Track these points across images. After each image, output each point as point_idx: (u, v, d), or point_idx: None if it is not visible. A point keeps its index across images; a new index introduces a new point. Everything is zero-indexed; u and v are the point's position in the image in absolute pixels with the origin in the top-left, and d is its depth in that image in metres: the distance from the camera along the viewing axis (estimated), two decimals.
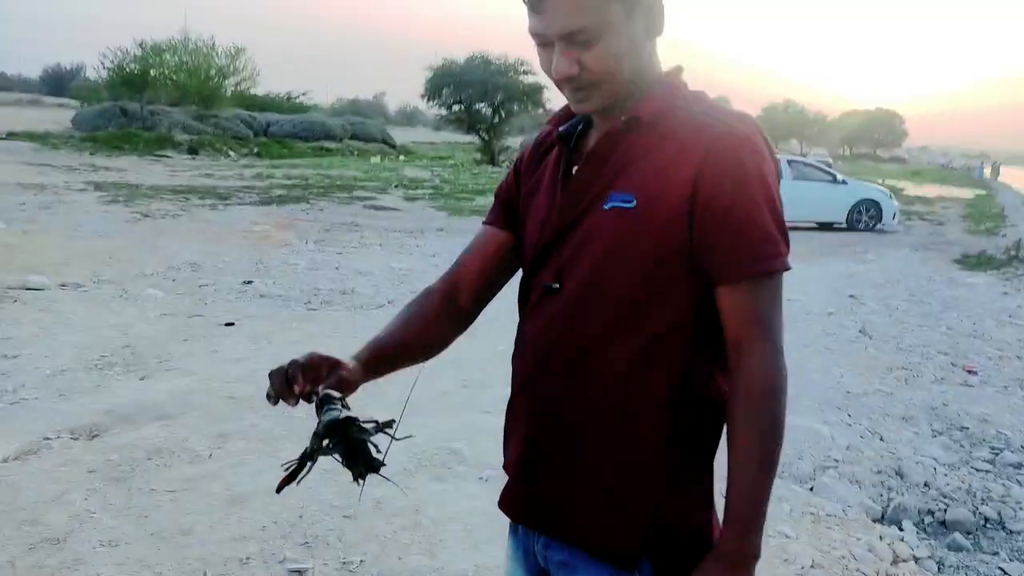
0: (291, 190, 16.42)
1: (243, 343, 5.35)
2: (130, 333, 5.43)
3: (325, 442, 1.07)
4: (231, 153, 25.93)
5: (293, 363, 1.12)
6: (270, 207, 13.52)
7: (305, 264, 8.78)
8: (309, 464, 1.08)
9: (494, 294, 1.34)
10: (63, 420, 3.70)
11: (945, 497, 3.64)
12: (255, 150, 27.48)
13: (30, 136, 24.11)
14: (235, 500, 3.02)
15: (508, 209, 1.31)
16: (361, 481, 1.08)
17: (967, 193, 32.00)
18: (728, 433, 1.10)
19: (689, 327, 1.12)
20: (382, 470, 1.07)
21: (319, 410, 1.09)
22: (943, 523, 3.44)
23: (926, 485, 3.75)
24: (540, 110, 36.92)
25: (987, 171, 52.40)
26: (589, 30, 1.07)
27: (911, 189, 31.33)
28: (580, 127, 1.24)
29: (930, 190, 32.36)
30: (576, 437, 1.16)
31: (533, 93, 33.91)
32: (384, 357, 1.26)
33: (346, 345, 4.86)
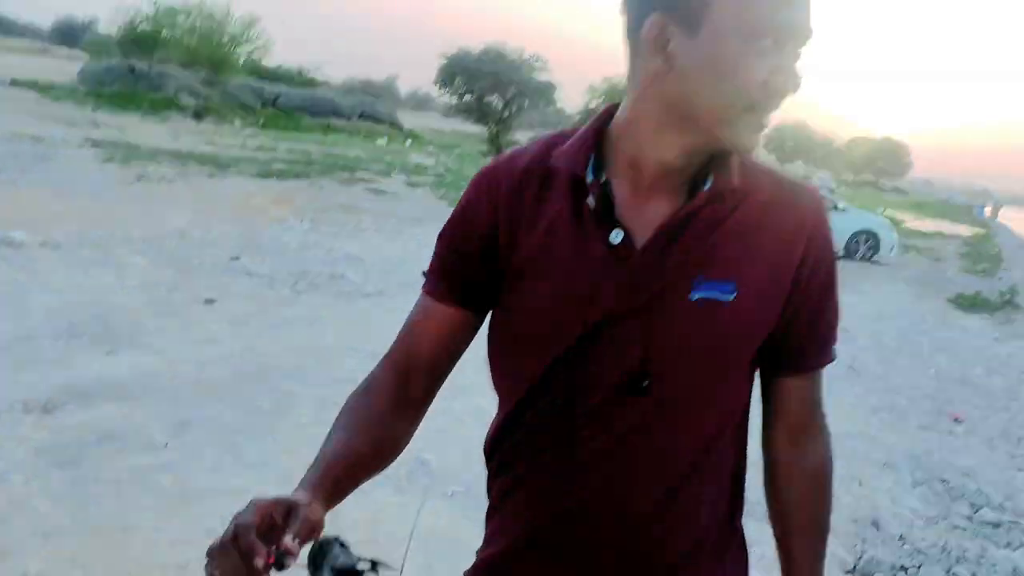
0: (293, 165, 16.23)
1: (220, 323, 5.22)
2: (104, 302, 5.29)
3: None
4: (236, 121, 25.69)
5: (241, 529, 0.76)
6: (269, 180, 13.35)
7: (297, 244, 8.65)
8: None
9: (446, 377, 1.05)
10: (18, 391, 3.57)
11: (920, 553, 3.54)
12: (261, 121, 27.25)
13: (34, 85, 23.85)
14: (185, 497, 2.90)
15: (465, 278, 1.00)
16: None
17: (966, 230, 31.98)
18: (789, 514, 1.08)
19: (743, 419, 1.04)
20: None
21: (319, 560, 0.88)
22: None
23: (901, 538, 3.65)
24: (551, 107, 36.77)
25: (987, 210, 52.49)
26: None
27: (911, 221, 31.28)
28: (603, 177, 0.95)
29: (930, 224, 32.33)
30: (644, 560, 1.00)
31: (546, 91, 33.73)
32: (340, 480, 0.93)
33: (325, 334, 4.71)
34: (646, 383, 0.93)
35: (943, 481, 4.44)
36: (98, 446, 3.20)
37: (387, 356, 1.04)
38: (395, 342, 1.05)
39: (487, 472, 1.09)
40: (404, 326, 1.05)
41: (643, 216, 0.93)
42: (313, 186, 13.74)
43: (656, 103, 0.91)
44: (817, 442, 1.07)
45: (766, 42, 0.85)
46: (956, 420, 5.59)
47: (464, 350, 1.04)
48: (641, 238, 0.92)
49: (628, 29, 0.91)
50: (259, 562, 0.74)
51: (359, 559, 0.86)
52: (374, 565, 0.85)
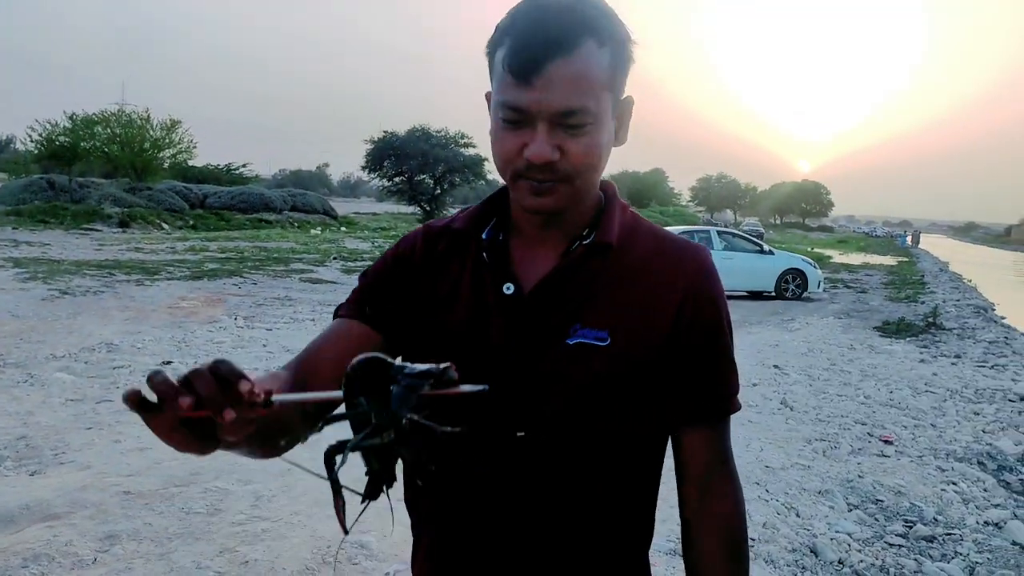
0: (224, 263, 16.11)
1: (150, 430, 5.11)
2: (29, 423, 5.14)
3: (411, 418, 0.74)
4: (164, 226, 25.46)
5: (219, 362, 0.69)
6: (200, 282, 13.21)
7: (231, 342, 8.55)
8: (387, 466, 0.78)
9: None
10: None
11: (858, 575, 3.63)
12: (190, 222, 27.05)
13: None
14: None
15: (383, 306, 1.09)
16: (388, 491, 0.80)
17: (890, 260, 33.31)
18: (702, 567, 1.08)
19: (645, 470, 1.08)
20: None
21: (371, 380, 0.75)
22: None
23: (840, 563, 3.74)
24: (482, 182, 37.43)
25: (909, 239, 54.86)
26: (585, 114, 0.94)
27: (838, 257, 32.47)
28: (499, 236, 1.08)
29: (855, 258, 33.59)
30: None
31: (474, 165, 34.42)
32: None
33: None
34: (520, 434, 1.01)
35: (876, 502, 4.58)
36: (23, 569, 3.09)
37: (288, 364, 1.05)
38: (298, 354, 1.06)
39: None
40: (310, 343, 1.08)
41: (533, 269, 1.05)
42: (246, 282, 13.65)
43: None
44: (725, 497, 1.07)
45: (508, 121, 0.96)
46: (886, 442, 5.78)
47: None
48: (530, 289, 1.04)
49: None
50: (245, 385, 0.67)
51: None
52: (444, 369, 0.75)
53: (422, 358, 0.88)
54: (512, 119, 0.96)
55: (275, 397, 0.71)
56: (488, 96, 1.04)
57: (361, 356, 0.77)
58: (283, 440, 0.90)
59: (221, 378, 0.68)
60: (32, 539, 3.36)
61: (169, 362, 7.27)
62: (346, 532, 0.80)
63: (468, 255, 1.08)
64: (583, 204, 1.05)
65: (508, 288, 1.04)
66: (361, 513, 0.78)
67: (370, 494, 0.80)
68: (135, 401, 0.67)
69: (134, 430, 5.12)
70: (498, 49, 0.96)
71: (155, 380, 0.68)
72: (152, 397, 0.69)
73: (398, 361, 0.77)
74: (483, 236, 1.08)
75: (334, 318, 1.11)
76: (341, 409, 0.78)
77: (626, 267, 1.04)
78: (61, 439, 4.81)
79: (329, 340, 1.07)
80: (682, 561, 1.11)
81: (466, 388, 0.77)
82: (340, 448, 0.76)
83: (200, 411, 0.69)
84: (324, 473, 0.77)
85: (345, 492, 0.78)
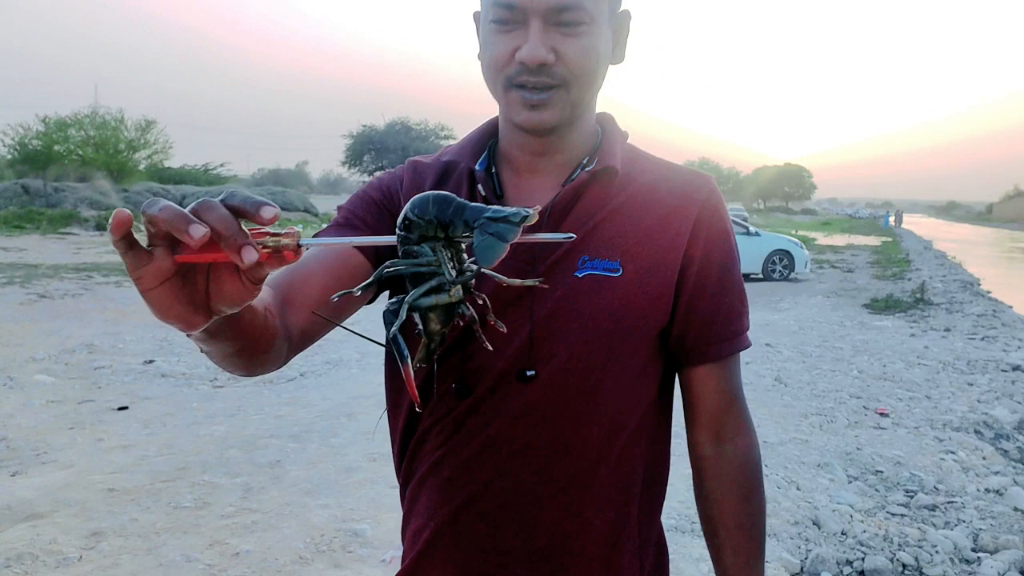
0: None
1: (134, 428, 4.99)
2: (9, 424, 5.00)
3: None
4: (143, 228, 25.10)
5: (232, 193, 0.58)
6: None
7: None
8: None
9: (322, 334, 0.93)
10: None
11: (862, 545, 3.57)
12: None
13: None
14: None
15: (367, 225, 0.99)
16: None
17: (874, 240, 33.51)
18: (714, 516, 1.04)
19: (656, 412, 1.01)
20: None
21: (486, 219, 0.62)
22: (861, 572, 3.36)
23: (843, 534, 3.69)
24: None
25: (892, 219, 55.27)
26: (580, 10, 0.88)
27: (822, 239, 32.63)
28: (492, 168, 1.01)
29: (839, 239, 33.77)
30: (554, 549, 0.98)
31: None
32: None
33: (248, 423, 4.56)
34: (531, 373, 0.93)
35: (876, 473, 4.53)
36: (6, 568, 2.97)
37: (268, 281, 0.89)
38: (278, 273, 0.90)
39: (399, 489, 1.07)
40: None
41: (531, 200, 0.98)
42: None
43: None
44: (740, 438, 1.02)
45: (499, 21, 0.90)
46: (882, 414, 5.75)
47: (343, 316, 0.93)
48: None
49: None
50: (269, 211, 0.55)
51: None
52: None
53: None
54: (503, 18, 0.89)
55: (303, 241, 0.59)
56: (476, 16, 0.97)
57: (425, 194, 0.65)
58: (276, 343, 0.80)
59: (236, 211, 0.56)
60: (15, 539, 3.23)
61: (151, 361, 7.13)
62: (419, 407, 0.75)
63: (461, 187, 1.00)
64: (581, 126, 0.98)
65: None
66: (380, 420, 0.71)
67: (424, 359, 0.71)
68: (123, 231, 0.54)
69: (117, 428, 4.99)
70: None
71: (154, 210, 0.55)
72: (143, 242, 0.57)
73: (473, 203, 0.65)
74: (476, 168, 1.00)
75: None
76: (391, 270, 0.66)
77: (633, 194, 0.97)
78: (42, 440, 4.67)
79: (315, 267, 0.92)
80: (685, 539, 1.05)
81: (550, 236, 0.65)
82: (399, 307, 0.64)
83: (211, 253, 0.56)
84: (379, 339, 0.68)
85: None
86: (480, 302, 0.72)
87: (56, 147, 29.22)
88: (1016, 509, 4.08)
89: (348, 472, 4.07)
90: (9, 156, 29.31)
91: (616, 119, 1.05)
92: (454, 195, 0.66)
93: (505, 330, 0.76)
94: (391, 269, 0.66)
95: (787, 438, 5.06)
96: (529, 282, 0.72)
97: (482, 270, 0.64)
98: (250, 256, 0.54)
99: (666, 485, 1.07)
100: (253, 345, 0.77)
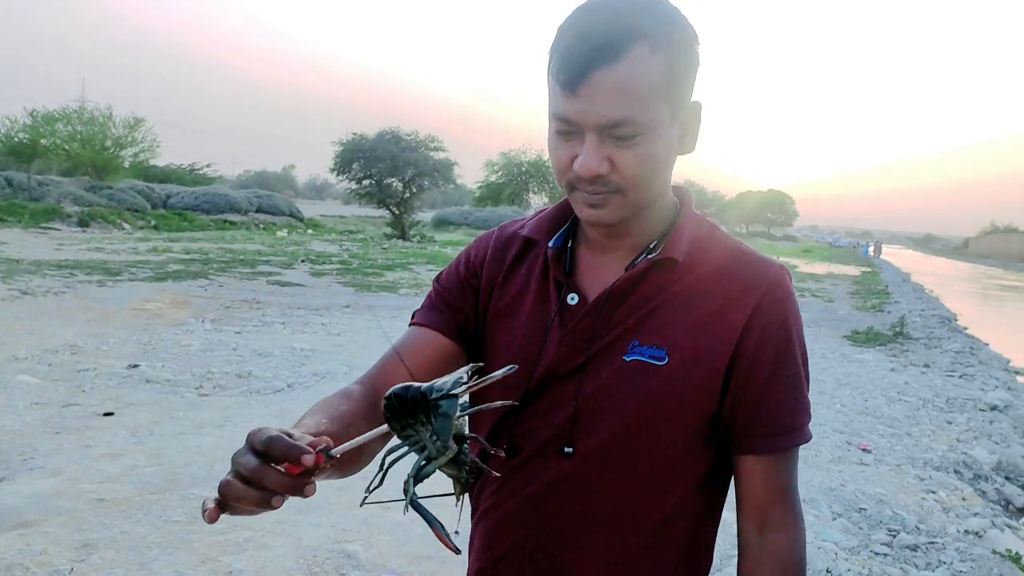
0: (189, 265, 15.79)
1: (121, 435, 4.95)
2: None
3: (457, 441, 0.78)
4: (125, 225, 24.91)
5: (266, 441, 0.71)
6: (165, 283, 12.91)
7: (199, 345, 8.35)
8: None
9: None
10: None
11: None
12: (152, 223, 26.51)
13: None
14: None
15: (456, 315, 1.08)
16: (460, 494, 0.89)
17: (854, 270, 33.88)
18: None
19: (702, 495, 1.04)
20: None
21: (434, 402, 0.74)
22: None
23: (828, 572, 3.74)
24: (451, 186, 37.31)
25: (871, 249, 55.93)
26: (634, 124, 0.90)
27: (803, 266, 32.96)
28: (568, 243, 1.06)
29: (820, 267, 34.13)
30: None
31: (444, 169, 34.25)
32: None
33: (236, 435, 4.54)
34: (569, 450, 0.99)
35: (860, 510, 4.60)
36: None
37: (363, 376, 1.06)
38: (375, 365, 1.07)
39: None
40: (385, 354, 1.08)
41: (600, 279, 1.03)
42: (212, 284, 13.38)
43: None
44: (783, 533, 1.01)
45: (560, 131, 0.94)
46: (865, 450, 5.83)
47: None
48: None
49: None
50: (309, 459, 0.69)
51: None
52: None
53: (488, 367, 0.93)
54: (562, 130, 0.94)
55: (335, 450, 0.74)
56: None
57: (390, 390, 0.76)
58: (361, 457, 0.92)
59: (279, 459, 0.71)
60: (4, 548, 3.20)
61: (136, 365, 7.07)
62: (458, 552, 0.81)
63: (536, 262, 1.07)
64: (647, 215, 1.02)
65: (572, 299, 1.02)
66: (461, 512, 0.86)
67: (460, 492, 0.87)
68: (216, 518, 0.74)
69: (104, 435, 4.95)
70: (552, 56, 0.94)
71: (228, 495, 0.73)
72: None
73: (425, 385, 0.76)
74: (550, 244, 1.06)
75: (410, 325, 1.10)
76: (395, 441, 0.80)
77: (692, 283, 1.00)
78: (28, 444, 4.63)
79: (406, 349, 1.05)
80: None
81: (497, 374, 0.77)
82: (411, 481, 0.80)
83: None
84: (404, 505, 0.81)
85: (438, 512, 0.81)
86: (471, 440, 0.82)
87: (43, 141, 28.91)
88: (995, 552, 4.16)
89: (340, 491, 4.06)
90: None
91: (693, 196, 1.08)
92: (410, 384, 0.75)
93: (504, 455, 0.87)
94: (392, 456, 0.81)
95: None
96: (506, 370, 0.78)
97: (465, 434, 0.79)
98: (309, 492, 0.73)
99: (709, 567, 1.09)
100: (349, 468, 0.93)
